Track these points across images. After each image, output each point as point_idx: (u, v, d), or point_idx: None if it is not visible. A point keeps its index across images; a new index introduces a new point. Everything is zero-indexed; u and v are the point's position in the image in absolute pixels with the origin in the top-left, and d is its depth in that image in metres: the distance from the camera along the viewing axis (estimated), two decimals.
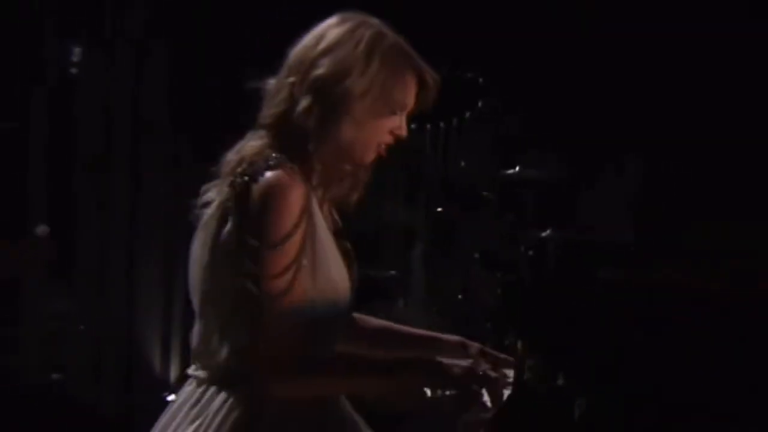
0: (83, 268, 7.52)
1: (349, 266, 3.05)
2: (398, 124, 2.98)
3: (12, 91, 7.46)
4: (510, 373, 2.98)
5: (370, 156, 3.01)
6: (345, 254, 3.08)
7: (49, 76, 7.43)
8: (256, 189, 2.81)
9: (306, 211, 2.82)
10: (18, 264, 5.90)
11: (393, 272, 6.67)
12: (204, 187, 2.91)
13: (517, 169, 6.76)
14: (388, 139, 3.00)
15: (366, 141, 2.98)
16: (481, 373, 2.88)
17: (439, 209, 6.86)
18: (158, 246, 7.84)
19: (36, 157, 7.26)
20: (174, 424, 3.00)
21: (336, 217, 3.13)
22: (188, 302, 8.23)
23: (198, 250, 2.92)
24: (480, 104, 6.79)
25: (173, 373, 7.65)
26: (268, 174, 2.82)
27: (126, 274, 7.74)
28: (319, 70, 2.87)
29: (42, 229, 5.37)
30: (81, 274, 7.58)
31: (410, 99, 3.01)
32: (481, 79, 6.72)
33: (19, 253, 5.57)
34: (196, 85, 7.81)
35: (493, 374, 2.89)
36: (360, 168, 3.03)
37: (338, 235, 3.10)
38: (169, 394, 7.25)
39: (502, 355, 3.13)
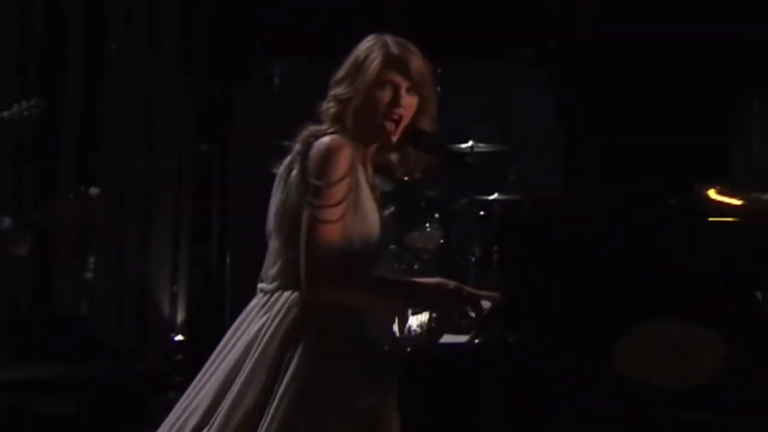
0: (103, 230, 7.97)
1: (382, 219, 3.54)
2: (392, 98, 3.46)
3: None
4: (486, 303, 3.41)
5: (387, 124, 3.43)
6: (380, 212, 3.57)
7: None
8: (317, 146, 3.32)
9: (352, 165, 3.32)
10: (79, 217, 6.13)
11: None
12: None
13: (470, 143, 7.23)
14: (390, 109, 3.45)
15: (375, 110, 3.42)
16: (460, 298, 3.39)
17: (406, 178, 7.11)
18: (168, 214, 8.27)
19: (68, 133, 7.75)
20: (246, 322, 3.45)
21: (377, 182, 3.60)
22: (192, 260, 8.22)
23: (276, 190, 3.45)
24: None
25: (180, 317, 8.09)
26: (326, 137, 3.34)
27: (141, 236, 8.16)
28: (341, 72, 3.48)
29: (94, 191, 5.69)
30: (102, 236, 8.06)
31: (391, 76, 3.45)
32: (439, 71, 7.04)
33: (78, 208, 5.88)
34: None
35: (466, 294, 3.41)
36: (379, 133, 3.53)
37: (377, 196, 3.58)
38: (177, 334, 7.89)
39: (480, 291, 3.51)
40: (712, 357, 2.74)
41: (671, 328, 2.78)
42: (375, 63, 3.47)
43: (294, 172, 3.37)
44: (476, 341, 3.20)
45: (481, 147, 7.28)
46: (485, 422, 2.98)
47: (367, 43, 3.52)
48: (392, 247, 6.73)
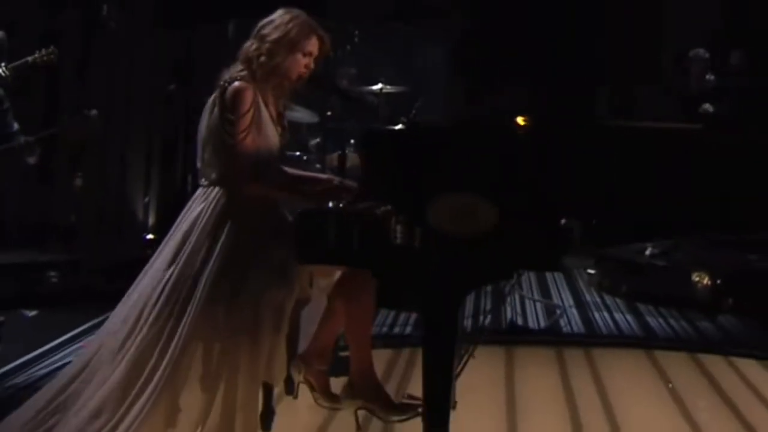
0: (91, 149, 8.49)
1: (281, 134, 4.15)
2: (308, 61, 4.09)
3: None
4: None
5: (297, 76, 4.08)
6: (281, 129, 4.16)
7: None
8: (230, 89, 3.95)
9: (254, 102, 3.95)
10: (82, 134, 6.34)
11: (297, 153, 7.38)
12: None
13: (380, 85, 7.72)
14: (304, 68, 4.07)
15: (292, 68, 4.06)
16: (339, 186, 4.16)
17: (329, 113, 7.52)
18: (143, 138, 8.82)
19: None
20: (191, 207, 4.03)
21: (280, 109, 4.22)
22: (161, 176, 8.61)
23: (204, 120, 4.04)
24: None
25: (151, 220, 8.59)
26: (236, 82, 3.96)
27: (121, 156, 8.72)
28: (271, 34, 4.07)
29: (94, 113, 5.90)
30: (90, 154, 8.55)
31: (312, 48, 4.09)
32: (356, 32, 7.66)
33: (82, 126, 6.10)
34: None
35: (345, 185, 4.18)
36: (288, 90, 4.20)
37: (279, 118, 4.16)
38: (148, 234, 8.35)
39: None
40: (487, 216, 3.50)
41: (465, 197, 3.52)
42: (307, 39, 4.07)
43: (216, 109, 3.99)
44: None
45: (389, 89, 7.73)
46: (351, 255, 3.74)
47: (293, 18, 4.08)
48: (317, 166, 7.12)
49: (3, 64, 6.47)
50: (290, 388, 4.46)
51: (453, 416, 4.04)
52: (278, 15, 4.14)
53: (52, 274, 7.53)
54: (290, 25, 4.09)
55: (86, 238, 8.30)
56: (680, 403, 5.21)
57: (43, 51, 6.46)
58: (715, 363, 6.06)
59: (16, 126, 5.84)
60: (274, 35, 4.07)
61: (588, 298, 8.10)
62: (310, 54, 4.12)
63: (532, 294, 8.22)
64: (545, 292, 8.28)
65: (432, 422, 3.68)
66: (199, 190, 4.09)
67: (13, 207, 8.17)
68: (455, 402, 4.33)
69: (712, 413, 5.08)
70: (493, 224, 3.52)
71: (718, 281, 7.54)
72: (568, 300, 7.98)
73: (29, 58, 6.43)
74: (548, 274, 9.03)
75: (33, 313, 6.84)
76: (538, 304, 7.70)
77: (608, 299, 8.01)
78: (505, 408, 5.08)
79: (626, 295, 7.95)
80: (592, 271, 8.62)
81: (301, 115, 7.20)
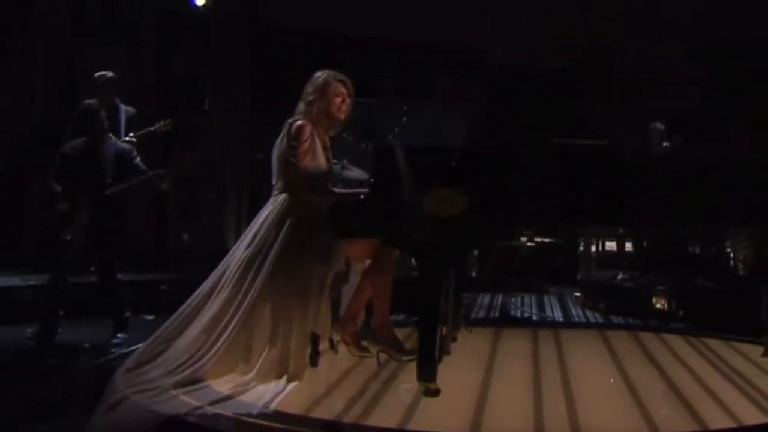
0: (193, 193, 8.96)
1: (327, 160, 4.60)
2: (341, 98, 4.57)
3: None
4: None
5: (337, 115, 4.57)
6: (327, 157, 4.62)
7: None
8: (294, 126, 4.48)
9: (312, 136, 4.46)
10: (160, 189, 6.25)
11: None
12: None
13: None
14: (341, 103, 4.56)
15: (331, 108, 4.56)
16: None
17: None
18: (236, 192, 9.35)
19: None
20: (266, 207, 4.55)
21: (327, 145, 4.60)
22: (248, 216, 8.73)
23: (275, 150, 4.55)
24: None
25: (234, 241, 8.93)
26: (299, 121, 4.49)
27: (219, 203, 9.23)
28: (309, 90, 4.61)
29: (160, 172, 6.16)
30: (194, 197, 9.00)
31: (341, 91, 4.59)
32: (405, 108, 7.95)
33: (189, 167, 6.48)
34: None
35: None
36: (335, 125, 4.63)
37: (327, 150, 4.62)
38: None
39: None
40: (462, 204, 3.99)
41: (447, 191, 4.00)
42: (332, 85, 4.62)
43: (284, 141, 4.54)
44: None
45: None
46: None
47: (322, 74, 4.64)
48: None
49: (131, 133, 7.02)
50: (332, 345, 4.98)
51: (446, 360, 4.66)
52: (313, 77, 4.71)
53: (165, 288, 7.87)
54: (320, 80, 4.66)
55: (190, 263, 8.66)
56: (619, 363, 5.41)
57: (162, 122, 6.94)
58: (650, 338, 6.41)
59: (144, 167, 6.29)
60: (312, 91, 4.65)
61: (574, 312, 8.48)
62: (341, 94, 4.64)
63: (531, 309, 8.64)
64: (541, 310, 8.66)
65: (422, 356, 4.16)
66: (271, 198, 4.63)
67: (137, 239, 8.44)
68: (450, 350, 5.05)
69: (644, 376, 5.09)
70: (464, 209, 4.04)
71: (673, 298, 7.88)
72: (558, 315, 8.37)
73: (151, 128, 6.95)
74: (545, 298, 9.46)
75: (151, 317, 6.97)
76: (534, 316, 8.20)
77: (589, 314, 8.36)
78: (486, 360, 5.35)
79: (603, 311, 8.33)
80: (578, 294, 9.08)
81: (356, 174, 7.34)
